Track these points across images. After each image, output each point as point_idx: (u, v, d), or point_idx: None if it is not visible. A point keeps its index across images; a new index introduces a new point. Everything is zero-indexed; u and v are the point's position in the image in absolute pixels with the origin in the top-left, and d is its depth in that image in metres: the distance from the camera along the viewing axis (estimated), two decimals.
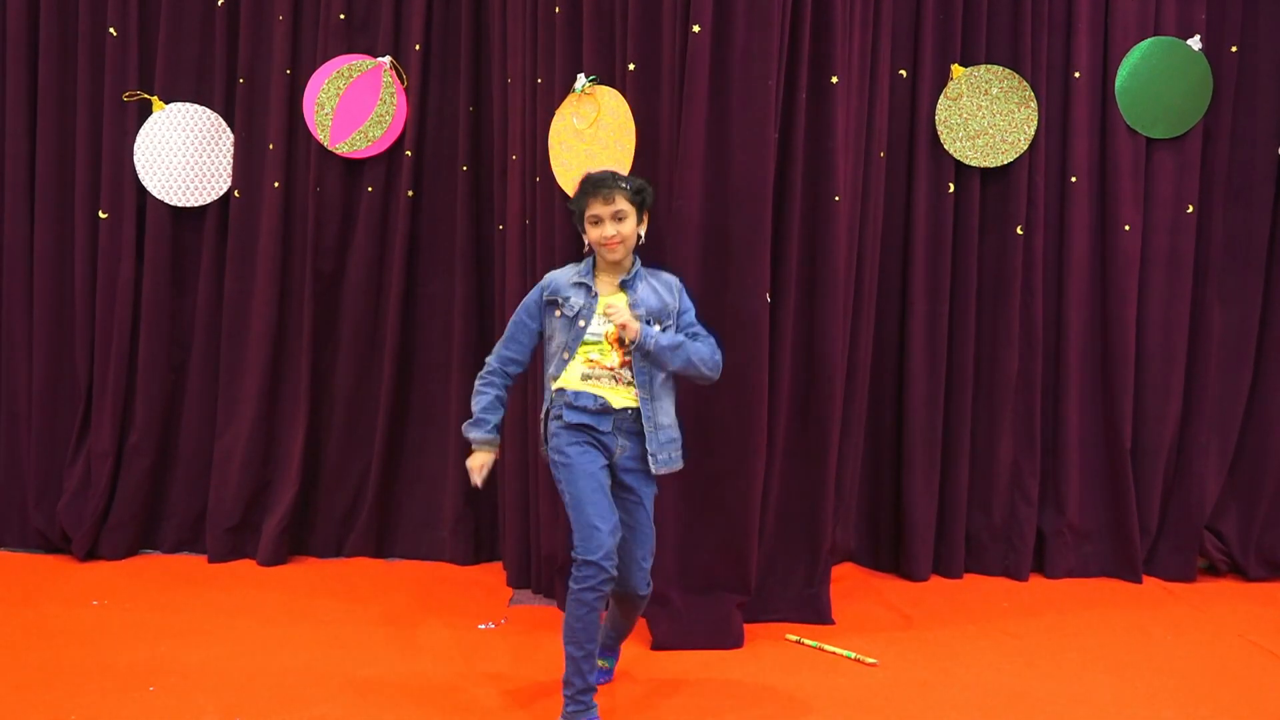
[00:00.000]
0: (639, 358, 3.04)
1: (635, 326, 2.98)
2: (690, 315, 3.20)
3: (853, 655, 3.58)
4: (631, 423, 3.06)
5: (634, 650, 3.61)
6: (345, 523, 4.61)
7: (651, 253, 3.66)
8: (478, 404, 3.13)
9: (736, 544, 3.71)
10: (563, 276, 3.15)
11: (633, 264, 3.15)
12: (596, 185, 3.08)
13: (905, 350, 4.46)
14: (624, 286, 3.11)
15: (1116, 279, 4.48)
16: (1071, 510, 4.53)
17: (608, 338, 3.05)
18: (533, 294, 3.19)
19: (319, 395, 4.56)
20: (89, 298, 4.49)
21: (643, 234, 3.15)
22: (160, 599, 4.01)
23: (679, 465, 3.16)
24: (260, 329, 4.47)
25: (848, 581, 4.38)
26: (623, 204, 3.07)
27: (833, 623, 3.89)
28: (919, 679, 3.43)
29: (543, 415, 3.13)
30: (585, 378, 3.04)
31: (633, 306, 3.07)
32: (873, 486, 4.60)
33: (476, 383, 3.17)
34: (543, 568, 4.12)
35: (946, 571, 4.51)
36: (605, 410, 3.03)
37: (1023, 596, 4.31)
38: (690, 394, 3.62)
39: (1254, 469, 4.59)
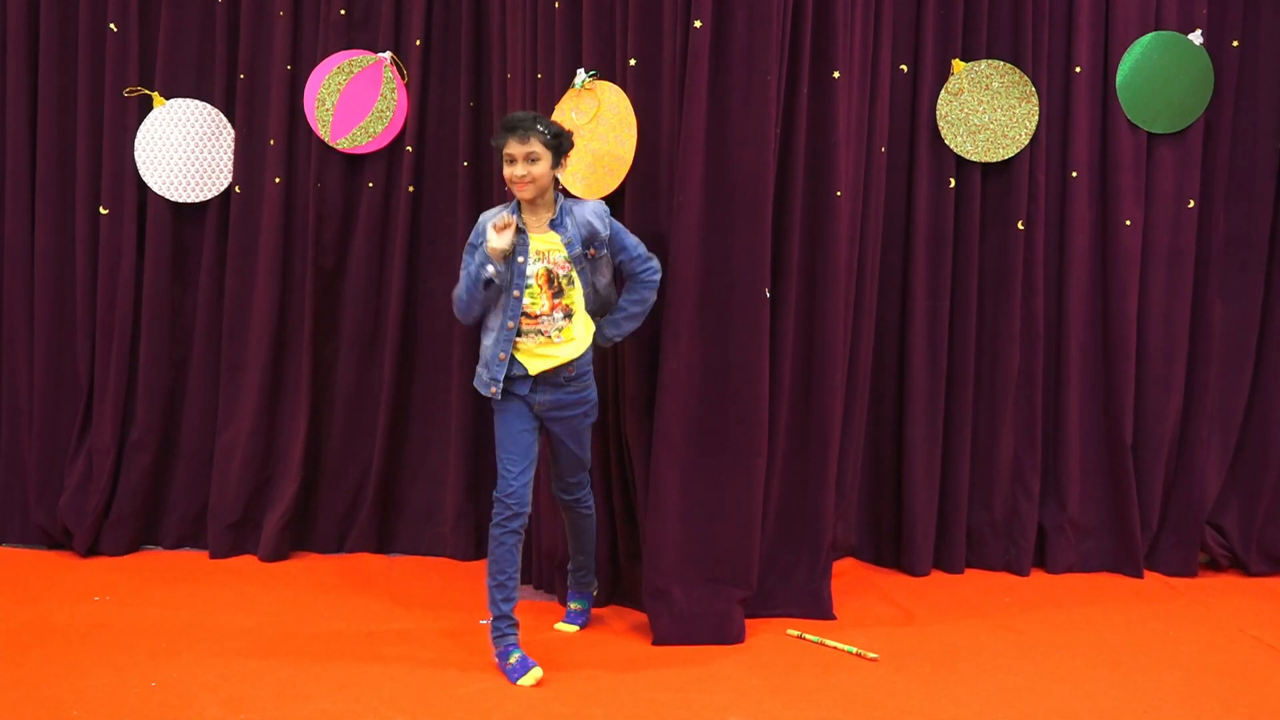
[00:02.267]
0: (587, 291, 3.39)
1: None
2: (631, 248, 3.46)
3: (854, 650, 3.58)
4: (554, 376, 3.36)
5: (635, 644, 3.62)
6: (346, 518, 4.61)
7: (653, 246, 3.68)
8: (467, 274, 3.36)
9: (737, 539, 3.71)
10: (492, 217, 3.35)
11: (556, 203, 3.35)
12: (514, 125, 3.26)
13: (906, 345, 4.46)
14: (553, 227, 3.33)
15: (1117, 274, 4.48)
16: (1073, 505, 4.53)
17: (537, 279, 3.30)
18: (470, 239, 3.42)
19: (320, 391, 4.56)
20: (90, 294, 4.48)
21: (559, 176, 3.35)
22: (162, 595, 4.01)
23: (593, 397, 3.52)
24: (261, 325, 4.46)
25: (849, 577, 4.38)
26: (536, 146, 3.24)
27: (834, 618, 3.89)
28: (920, 674, 3.43)
29: (486, 355, 3.39)
30: (520, 335, 3.32)
31: (568, 245, 3.31)
32: (874, 482, 4.60)
33: (456, 295, 3.42)
34: (543, 563, 4.12)
35: (947, 567, 4.51)
36: (522, 377, 3.34)
37: (1024, 592, 4.31)
38: (691, 391, 3.65)
39: (1255, 463, 4.59)
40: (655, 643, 3.63)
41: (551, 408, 3.41)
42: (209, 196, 4.51)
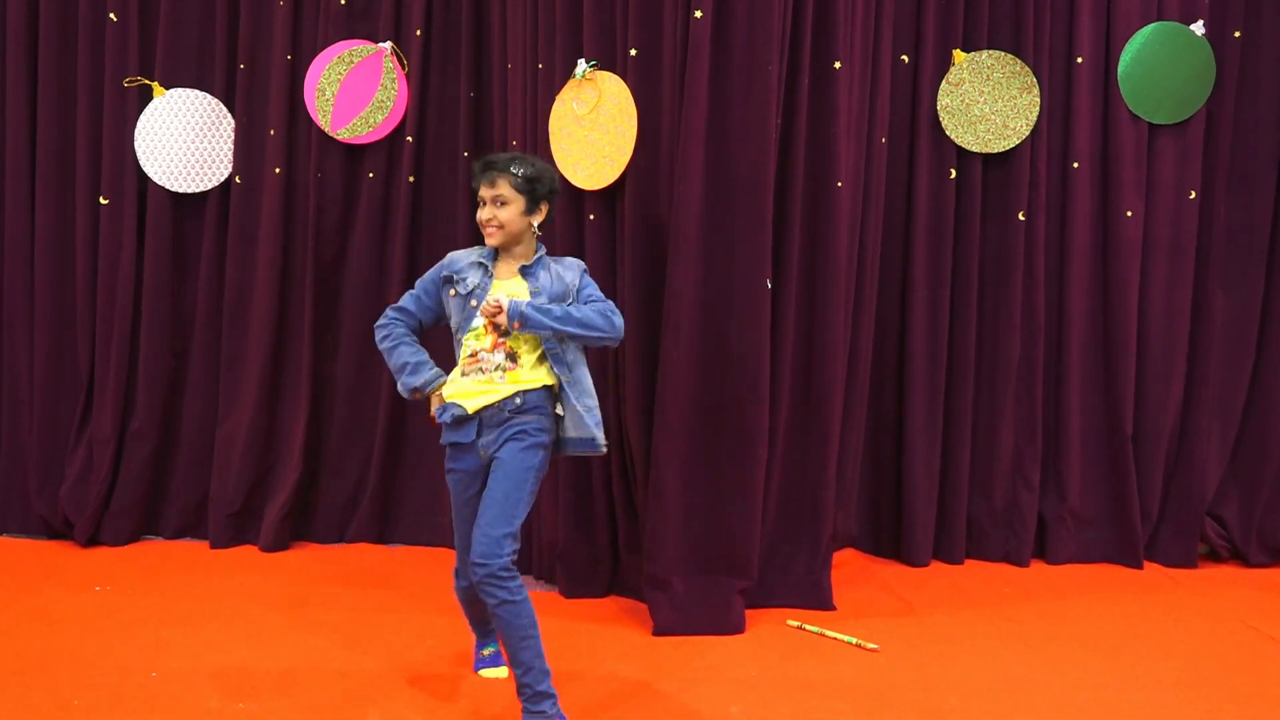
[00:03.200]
0: (550, 351, 2.97)
1: (503, 302, 2.87)
2: (590, 290, 3.08)
3: (854, 641, 3.58)
4: (496, 413, 2.94)
5: (635, 636, 3.62)
6: (347, 509, 4.62)
7: (654, 237, 3.68)
8: (400, 355, 3.05)
9: (738, 530, 3.71)
10: (464, 256, 3.09)
11: (535, 252, 3.06)
12: (484, 167, 3.01)
13: (907, 336, 4.46)
14: (523, 273, 3.02)
15: (1118, 265, 4.47)
16: (1073, 496, 4.53)
17: (484, 317, 2.93)
18: (432, 270, 3.14)
19: (321, 381, 4.56)
20: (90, 284, 4.48)
21: (536, 224, 3.03)
22: (162, 585, 4.01)
23: (603, 445, 3.03)
24: (262, 315, 4.46)
25: (849, 567, 4.39)
26: (505, 189, 2.97)
27: (834, 608, 3.89)
28: (920, 664, 3.43)
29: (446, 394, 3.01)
30: (462, 375, 2.98)
31: (534, 295, 2.98)
32: (874, 472, 4.60)
33: (380, 342, 3.10)
34: (543, 554, 4.12)
35: (947, 557, 4.51)
36: (461, 421, 2.96)
37: (1024, 582, 4.31)
38: (692, 382, 3.64)
39: (1255, 455, 4.59)
40: (655, 633, 3.63)
41: (494, 445, 2.95)
42: (209, 187, 4.50)
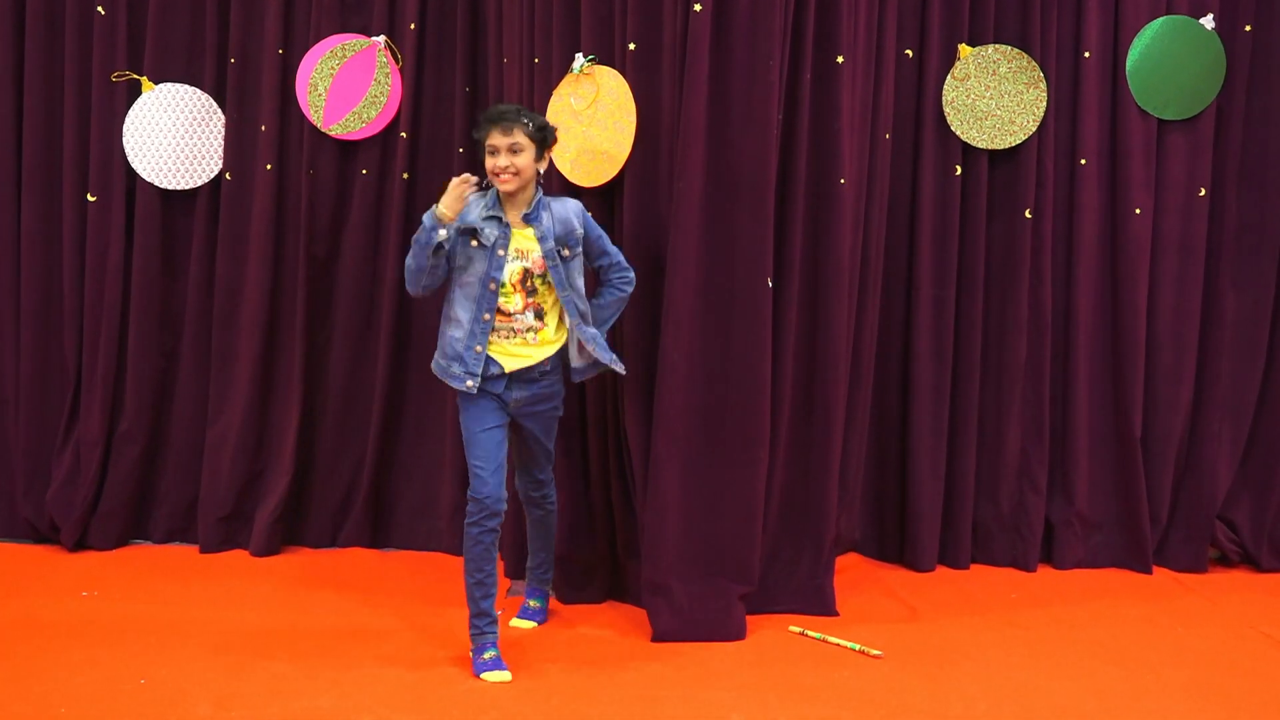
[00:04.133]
0: (561, 295, 3.31)
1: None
2: (614, 253, 3.45)
3: (857, 647, 3.54)
4: (529, 373, 3.32)
5: (634, 642, 3.58)
6: (340, 512, 4.56)
7: (653, 235, 3.64)
8: (418, 244, 3.25)
9: (739, 534, 3.67)
10: (472, 208, 3.27)
11: (534, 196, 3.29)
12: (498, 117, 3.23)
13: (911, 336, 4.41)
14: (527, 220, 3.27)
15: (1127, 264, 4.42)
16: (1081, 500, 4.48)
17: (511, 278, 3.25)
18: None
19: (313, 382, 4.51)
20: (77, 283, 4.42)
21: (542, 171, 3.31)
22: (151, 590, 3.97)
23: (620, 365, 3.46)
24: (252, 314, 4.40)
25: (852, 572, 4.34)
26: (520, 137, 3.20)
27: (837, 614, 3.85)
28: (924, 671, 3.39)
29: (455, 347, 3.29)
30: (495, 331, 3.28)
31: (541, 240, 3.27)
32: (878, 475, 4.55)
33: (414, 245, 3.27)
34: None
35: (953, 562, 4.47)
36: (498, 375, 3.28)
37: (1030, 587, 4.27)
38: (692, 382, 3.60)
39: (1267, 457, 4.54)
40: (655, 639, 3.59)
41: (526, 403, 3.37)
42: (199, 183, 4.45)
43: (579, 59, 3.73)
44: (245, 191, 4.42)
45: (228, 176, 4.42)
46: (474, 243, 3.25)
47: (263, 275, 4.40)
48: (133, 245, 4.42)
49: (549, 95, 3.82)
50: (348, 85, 4.36)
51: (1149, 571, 4.45)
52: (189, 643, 3.44)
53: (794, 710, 3.08)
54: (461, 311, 3.29)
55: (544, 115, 3.80)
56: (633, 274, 3.48)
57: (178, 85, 4.41)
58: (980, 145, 4.35)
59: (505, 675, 3.22)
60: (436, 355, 3.39)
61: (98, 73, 4.36)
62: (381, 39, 4.40)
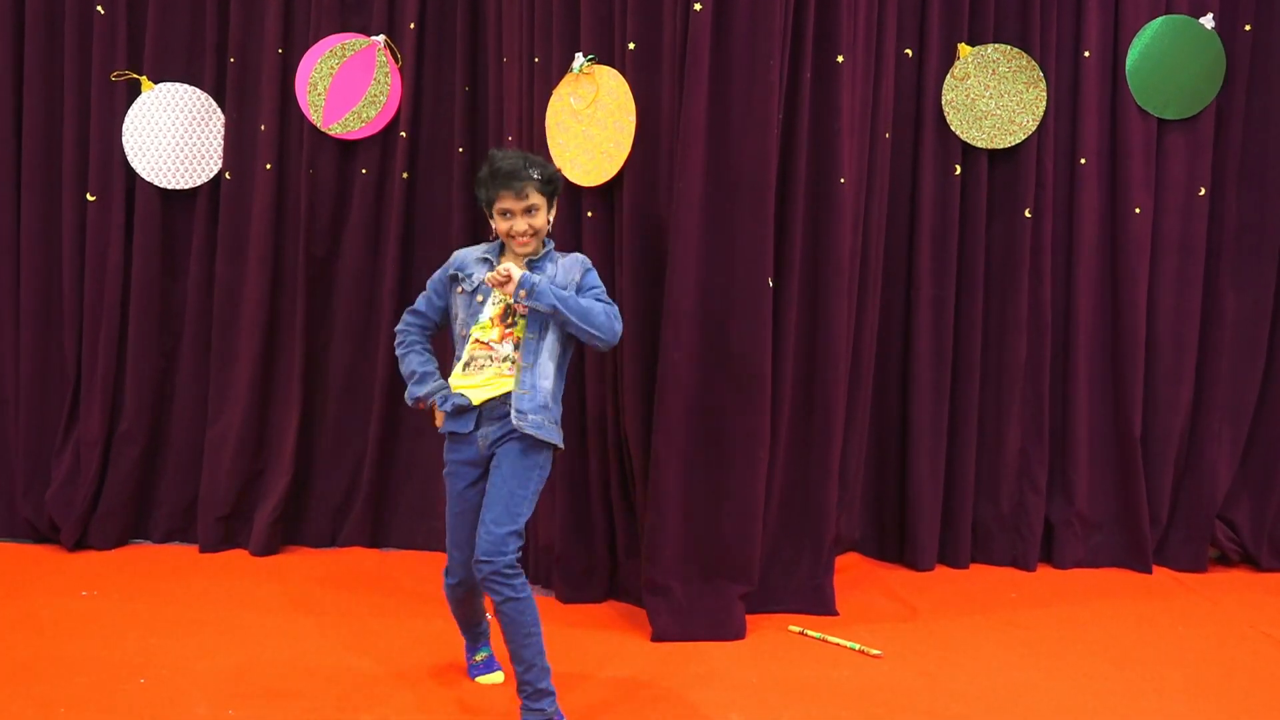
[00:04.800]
0: (528, 337, 2.93)
1: (513, 272, 2.84)
2: (596, 289, 3.03)
3: (857, 647, 3.54)
4: (498, 405, 2.93)
5: (634, 641, 3.57)
6: (339, 512, 4.56)
7: (653, 235, 3.62)
8: (409, 363, 3.06)
9: (739, 534, 3.66)
10: (470, 254, 3.07)
11: (544, 247, 3.05)
12: (508, 177, 2.92)
13: (911, 336, 4.40)
14: (532, 267, 3.00)
15: (1127, 263, 4.42)
16: (1080, 499, 4.48)
17: (492, 316, 2.95)
18: (440, 270, 3.11)
19: (312, 382, 4.50)
20: (77, 283, 4.41)
21: (551, 220, 3.03)
22: (151, 589, 3.96)
23: (552, 439, 2.95)
24: (252, 314, 4.40)
25: (852, 572, 4.34)
26: (535, 197, 2.95)
27: (837, 614, 3.85)
28: (924, 671, 3.38)
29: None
30: (465, 365, 2.96)
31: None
32: (878, 475, 4.54)
33: (396, 349, 3.11)
34: (540, 558, 4.07)
35: (952, 561, 4.46)
36: (463, 410, 2.95)
37: (1030, 587, 4.26)
38: (692, 382, 3.59)
39: (1267, 457, 4.54)
40: (654, 639, 3.58)
41: (497, 441, 2.95)
42: (199, 183, 4.44)
43: (579, 59, 3.72)
44: (245, 191, 4.41)
45: (227, 176, 4.41)
46: (459, 289, 3.02)
47: (262, 275, 4.39)
48: (132, 245, 4.41)
49: (549, 95, 3.81)
50: (347, 85, 4.36)
51: (1149, 571, 4.44)
52: (188, 642, 3.44)
53: (794, 710, 3.07)
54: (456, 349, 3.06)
55: (544, 115, 3.80)
56: (620, 323, 3.01)
57: (177, 85, 4.41)
58: (980, 145, 4.34)
59: (498, 677, 3.21)
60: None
61: (97, 72, 4.36)
62: (381, 38, 4.39)
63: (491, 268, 2.98)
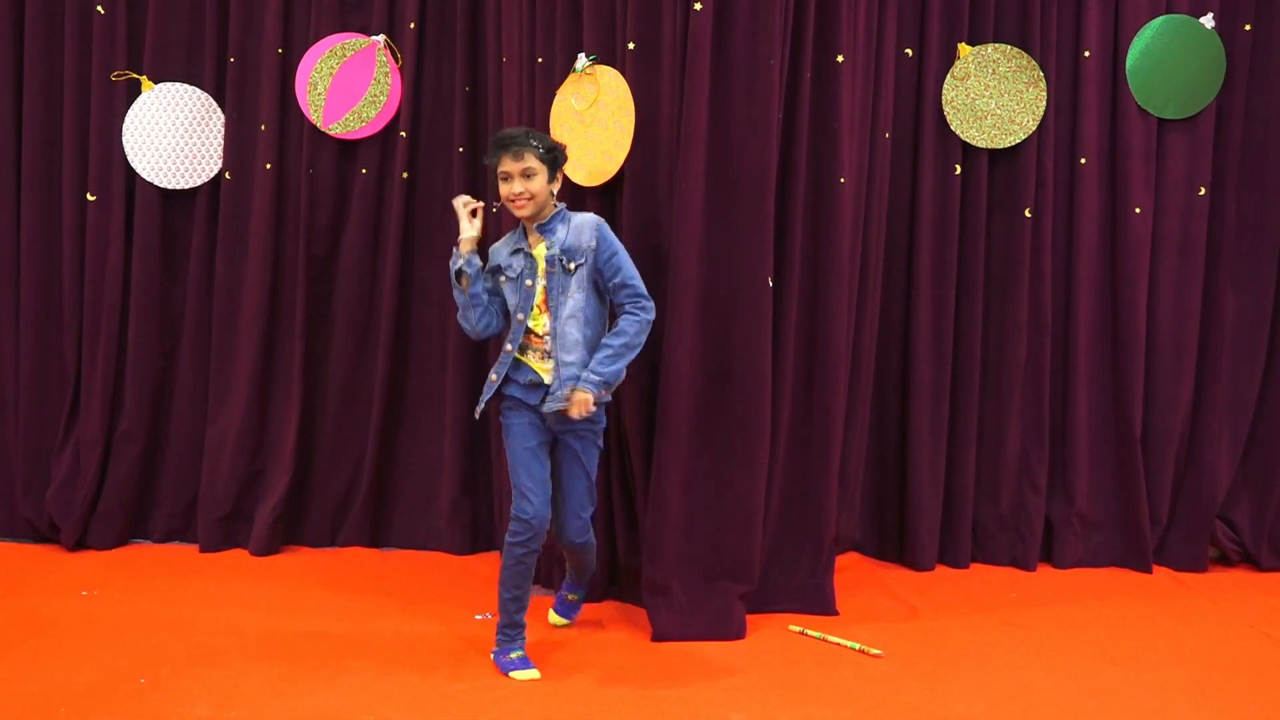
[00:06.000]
0: (550, 304, 3.24)
1: (586, 400, 3.15)
2: (618, 261, 3.27)
3: (857, 646, 3.53)
4: (562, 387, 3.21)
5: (634, 641, 3.57)
6: (339, 512, 4.55)
7: (653, 235, 3.62)
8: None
9: (739, 533, 3.66)
10: (502, 248, 3.34)
11: (553, 209, 3.27)
12: (508, 142, 3.18)
13: (911, 336, 4.40)
14: (541, 231, 3.24)
15: (1127, 263, 4.42)
16: (1080, 499, 4.48)
17: (538, 300, 3.25)
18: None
19: (312, 381, 4.50)
20: (77, 282, 4.41)
21: (554, 192, 3.25)
22: (151, 589, 3.95)
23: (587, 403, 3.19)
24: (252, 314, 4.40)
25: (852, 571, 4.34)
26: (532, 161, 3.17)
27: (837, 613, 3.84)
28: (924, 670, 3.38)
29: (495, 375, 3.31)
30: (523, 349, 3.27)
31: (549, 248, 3.23)
32: (878, 475, 4.54)
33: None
34: (541, 557, 4.04)
35: (953, 561, 4.46)
36: (535, 385, 3.24)
37: (1030, 587, 4.26)
38: (692, 382, 3.58)
39: (1267, 457, 4.53)
40: (655, 639, 3.57)
41: (560, 423, 3.27)
42: (199, 183, 4.44)
43: (581, 59, 3.72)
44: (245, 191, 4.41)
45: (227, 176, 4.41)
46: (502, 278, 3.30)
47: (262, 274, 4.39)
48: (132, 245, 4.41)
49: (550, 95, 3.81)
50: (347, 84, 4.35)
51: (1149, 571, 4.44)
52: (189, 642, 3.43)
53: (794, 709, 3.07)
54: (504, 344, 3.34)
55: (547, 115, 3.80)
56: (652, 305, 3.29)
57: (177, 84, 4.40)
58: (980, 144, 4.34)
59: (534, 673, 3.22)
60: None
61: (97, 72, 4.36)
62: (381, 38, 4.39)
63: (525, 257, 3.26)
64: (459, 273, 3.29)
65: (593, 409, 3.17)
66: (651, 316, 3.28)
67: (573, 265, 3.23)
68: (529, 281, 3.24)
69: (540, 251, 3.25)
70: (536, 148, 3.17)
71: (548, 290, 3.24)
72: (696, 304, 3.57)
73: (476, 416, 3.37)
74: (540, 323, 3.25)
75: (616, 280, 3.26)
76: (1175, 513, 4.54)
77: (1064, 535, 4.48)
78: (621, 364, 3.21)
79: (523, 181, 3.17)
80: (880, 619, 3.83)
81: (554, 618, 3.66)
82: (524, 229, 3.30)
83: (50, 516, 4.38)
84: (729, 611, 3.63)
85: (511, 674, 3.22)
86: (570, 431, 3.29)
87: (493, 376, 3.31)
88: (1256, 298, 4.49)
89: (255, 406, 4.44)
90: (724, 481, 3.64)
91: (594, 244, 3.23)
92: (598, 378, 3.16)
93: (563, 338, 3.21)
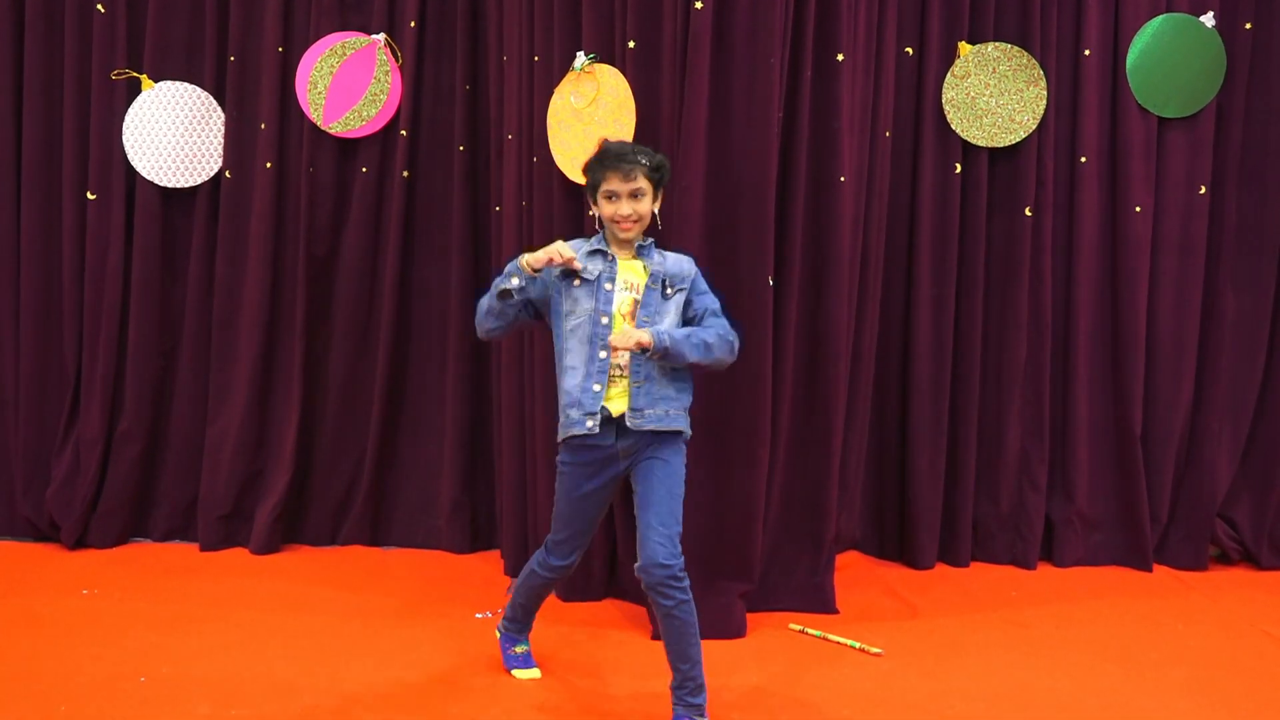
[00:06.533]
0: (642, 318, 2.94)
1: (645, 336, 2.81)
2: (707, 298, 3.06)
3: (857, 645, 3.53)
4: (633, 416, 2.91)
5: (634, 640, 3.57)
6: (340, 511, 4.55)
7: (654, 235, 3.61)
8: (494, 285, 2.96)
9: (739, 532, 3.66)
10: (580, 247, 3.00)
11: (644, 240, 3.04)
12: (617, 159, 2.94)
13: (911, 335, 4.40)
14: (639, 253, 3.00)
15: (1127, 262, 4.42)
16: (1081, 498, 4.48)
17: (620, 309, 2.93)
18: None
19: (312, 380, 4.49)
20: (77, 281, 4.41)
21: (657, 211, 3.04)
22: (151, 588, 3.95)
23: (678, 427, 2.96)
24: (252, 313, 4.39)
25: (852, 570, 4.33)
26: (642, 181, 2.93)
27: (837, 612, 3.84)
28: (924, 669, 3.38)
29: (572, 394, 2.94)
30: (599, 373, 2.91)
31: (650, 275, 2.97)
32: (878, 474, 4.54)
33: (482, 304, 3.00)
34: None
35: (953, 560, 4.46)
36: (607, 421, 2.91)
37: (1030, 585, 4.26)
38: (694, 380, 3.57)
39: (1267, 456, 4.53)
40: (655, 637, 3.54)
41: (640, 446, 2.94)
42: (199, 182, 4.43)
43: (580, 57, 3.72)
44: (245, 190, 4.40)
45: (227, 175, 4.41)
46: (576, 282, 2.94)
47: (262, 273, 4.38)
48: (132, 244, 4.41)
49: (549, 93, 3.80)
50: (347, 83, 4.35)
51: (1149, 569, 4.44)
52: (189, 641, 3.43)
53: (794, 708, 3.07)
54: (574, 357, 2.94)
55: (545, 114, 3.80)
56: (738, 340, 3.04)
57: (177, 83, 4.40)
58: (980, 143, 4.34)
59: (535, 672, 3.22)
60: (559, 426, 3.02)
61: (97, 71, 4.35)
62: (381, 37, 4.38)
63: (605, 258, 2.96)
64: (505, 290, 2.93)
65: (634, 345, 2.79)
66: (736, 344, 3.02)
67: (672, 290, 3.00)
68: (608, 285, 2.93)
69: (637, 267, 2.99)
70: (646, 166, 2.93)
71: (640, 304, 2.95)
72: None
73: (589, 428, 2.91)
74: (620, 329, 2.90)
75: (711, 309, 3.04)
76: (1175, 511, 4.54)
77: (1064, 534, 4.48)
78: (691, 351, 2.88)
79: (631, 203, 2.92)
80: (880, 618, 3.83)
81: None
82: (604, 237, 3.02)
83: (51, 515, 4.38)
84: (729, 610, 3.63)
85: (513, 671, 3.23)
86: (649, 458, 2.94)
87: (596, 386, 2.90)
88: (1257, 297, 4.49)
89: (255, 405, 4.44)
90: (724, 480, 3.64)
91: (693, 276, 3.05)
92: (669, 338, 2.84)
93: (656, 381, 2.93)
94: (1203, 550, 4.50)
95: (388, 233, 4.44)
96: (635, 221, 2.95)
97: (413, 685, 3.15)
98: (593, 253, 2.99)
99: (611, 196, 2.95)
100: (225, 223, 4.41)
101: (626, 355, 2.90)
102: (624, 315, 2.94)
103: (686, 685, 2.89)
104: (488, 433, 4.45)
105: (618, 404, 2.92)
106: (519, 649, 3.27)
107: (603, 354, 2.91)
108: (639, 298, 2.96)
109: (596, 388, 2.91)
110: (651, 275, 2.98)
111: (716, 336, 2.96)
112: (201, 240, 4.46)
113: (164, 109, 4.38)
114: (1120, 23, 4.39)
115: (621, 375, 2.93)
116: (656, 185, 2.99)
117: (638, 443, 2.93)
